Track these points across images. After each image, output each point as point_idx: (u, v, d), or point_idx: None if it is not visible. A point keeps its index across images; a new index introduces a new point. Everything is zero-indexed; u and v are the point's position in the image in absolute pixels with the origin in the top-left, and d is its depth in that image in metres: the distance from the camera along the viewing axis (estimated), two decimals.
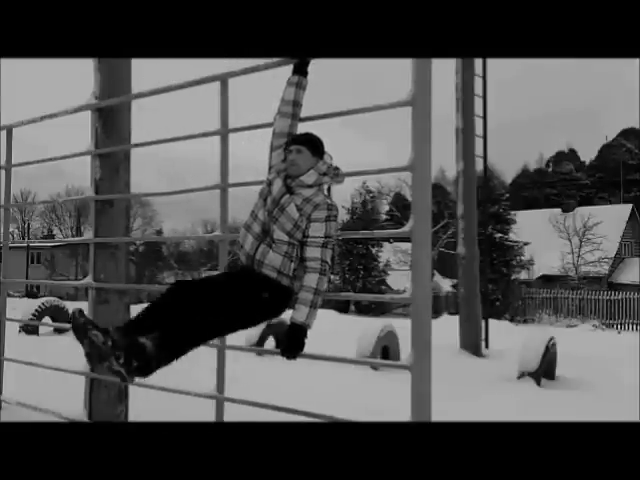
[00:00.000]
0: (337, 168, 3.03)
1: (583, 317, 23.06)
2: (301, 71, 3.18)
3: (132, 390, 4.24)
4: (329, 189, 3.08)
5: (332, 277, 30.16)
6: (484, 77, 11.86)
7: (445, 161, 34.39)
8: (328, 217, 2.89)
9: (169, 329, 2.64)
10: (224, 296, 2.79)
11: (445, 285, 28.27)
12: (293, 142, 3.02)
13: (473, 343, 11.08)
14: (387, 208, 39.08)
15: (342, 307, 24.72)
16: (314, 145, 3.01)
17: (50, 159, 4.75)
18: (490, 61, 12.30)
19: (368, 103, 3.02)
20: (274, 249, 2.89)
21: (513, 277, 24.98)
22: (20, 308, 11.94)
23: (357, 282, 28.26)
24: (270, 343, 9.54)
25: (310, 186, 2.96)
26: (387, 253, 30.42)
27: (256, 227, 2.97)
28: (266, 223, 2.94)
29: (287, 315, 2.99)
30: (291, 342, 2.85)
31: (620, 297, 23.30)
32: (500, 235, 24.51)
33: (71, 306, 12.43)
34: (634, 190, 49.22)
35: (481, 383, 7.80)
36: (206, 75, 3.65)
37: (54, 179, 53.91)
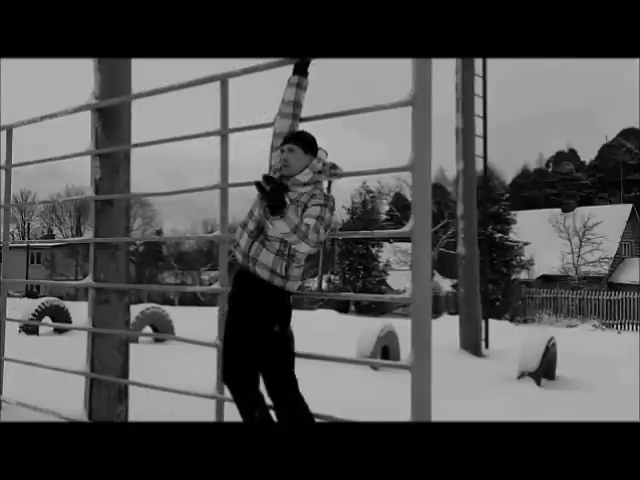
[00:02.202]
0: (334, 165, 3.02)
1: (583, 317, 23.07)
2: (301, 71, 3.18)
3: (132, 390, 4.24)
4: (329, 186, 3.08)
5: (332, 277, 30.19)
6: (484, 77, 11.85)
7: (445, 161, 34.39)
8: (325, 204, 2.87)
9: None
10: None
11: (445, 285, 28.28)
12: (285, 141, 3.01)
13: (473, 343, 11.08)
14: (387, 208, 39.14)
15: (342, 307, 24.72)
16: (306, 143, 2.99)
17: (50, 159, 4.74)
18: (490, 61, 12.29)
19: (368, 103, 3.02)
20: (267, 247, 2.89)
21: (513, 277, 25.00)
22: (20, 308, 11.90)
23: (357, 282, 28.27)
24: None
25: (306, 184, 2.96)
26: (387, 253, 30.44)
27: (251, 225, 2.97)
28: (261, 221, 2.93)
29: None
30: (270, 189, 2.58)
31: (620, 297, 23.32)
32: (500, 235, 24.53)
33: (71, 306, 12.45)
34: (634, 190, 49.22)
35: (481, 383, 7.79)
36: (206, 75, 3.65)
37: (54, 179, 54.04)
